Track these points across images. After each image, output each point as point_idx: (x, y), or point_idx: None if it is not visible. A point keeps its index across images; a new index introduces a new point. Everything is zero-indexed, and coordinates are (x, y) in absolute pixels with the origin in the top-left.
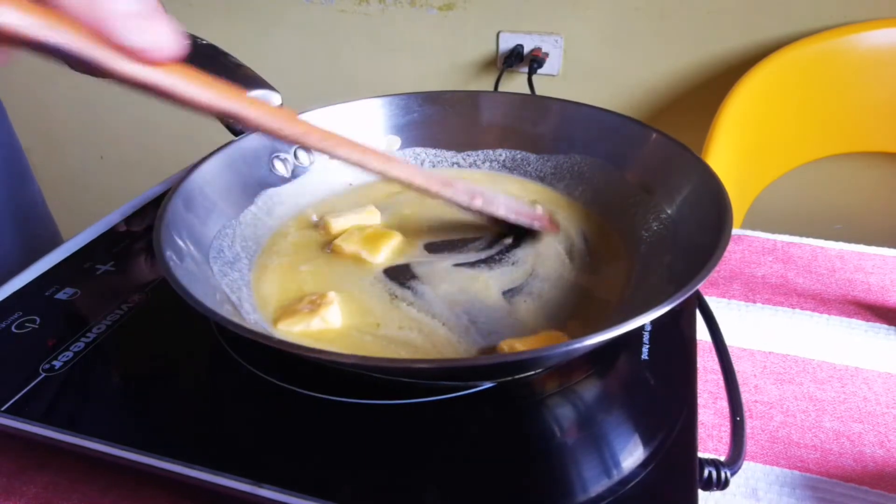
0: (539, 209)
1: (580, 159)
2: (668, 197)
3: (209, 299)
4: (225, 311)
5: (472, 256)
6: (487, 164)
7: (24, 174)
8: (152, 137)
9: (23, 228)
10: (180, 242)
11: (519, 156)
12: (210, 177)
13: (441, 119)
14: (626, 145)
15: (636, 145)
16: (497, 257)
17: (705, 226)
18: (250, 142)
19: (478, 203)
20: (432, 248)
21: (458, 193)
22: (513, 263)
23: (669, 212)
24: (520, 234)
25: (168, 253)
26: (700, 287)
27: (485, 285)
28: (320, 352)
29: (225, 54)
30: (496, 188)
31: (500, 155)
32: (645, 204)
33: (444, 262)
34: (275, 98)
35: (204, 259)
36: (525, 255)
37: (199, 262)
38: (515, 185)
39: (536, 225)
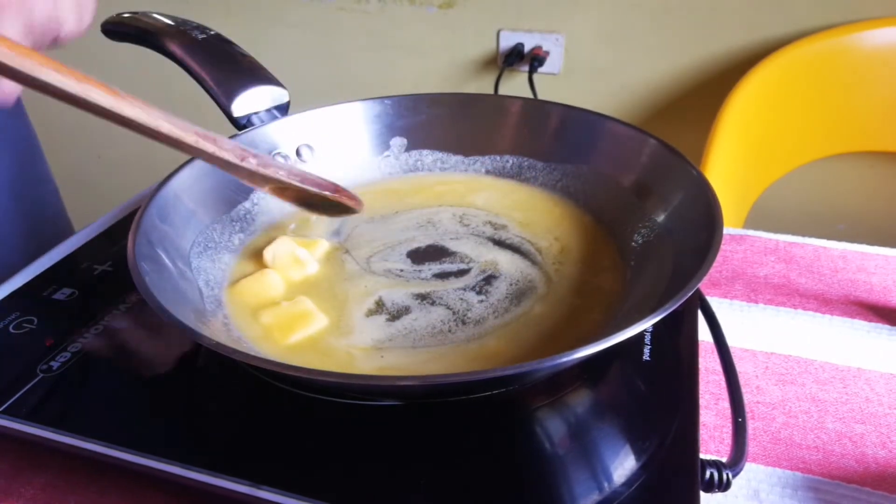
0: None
1: (587, 169)
2: (662, 204)
3: (185, 305)
4: (194, 317)
5: (454, 266)
6: (495, 169)
7: (40, 173)
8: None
9: (36, 228)
10: (160, 252)
11: (526, 163)
12: (196, 178)
13: (449, 122)
14: (629, 155)
15: (640, 155)
16: (479, 276)
17: (696, 237)
18: (250, 138)
19: (251, 163)
20: (416, 255)
21: (224, 150)
22: (498, 277)
23: (663, 219)
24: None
25: (142, 265)
26: (701, 287)
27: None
28: (296, 368)
29: (231, 44)
30: (505, 197)
31: (508, 161)
32: (641, 211)
33: (425, 273)
34: (280, 94)
35: (185, 263)
36: (513, 265)
37: (180, 267)
38: (522, 192)
39: (328, 194)
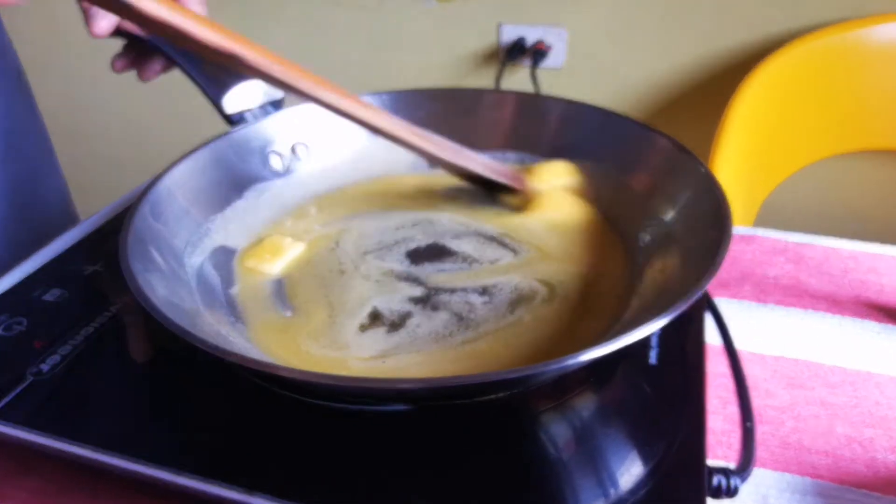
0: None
1: (590, 166)
2: (670, 202)
3: (178, 306)
4: (190, 315)
5: (456, 266)
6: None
7: (50, 169)
8: (141, 135)
9: (44, 223)
10: (153, 252)
11: (528, 159)
12: (190, 174)
13: (449, 117)
14: (636, 152)
15: (646, 151)
16: (484, 276)
17: (705, 236)
18: (243, 135)
19: (447, 155)
20: (416, 255)
21: (427, 143)
22: (501, 273)
23: (670, 217)
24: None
25: (135, 264)
26: (709, 287)
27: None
28: (289, 370)
29: None
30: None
31: (509, 157)
32: (647, 209)
33: (425, 271)
34: (273, 89)
35: (178, 262)
36: (516, 264)
37: (173, 267)
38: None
39: (513, 182)
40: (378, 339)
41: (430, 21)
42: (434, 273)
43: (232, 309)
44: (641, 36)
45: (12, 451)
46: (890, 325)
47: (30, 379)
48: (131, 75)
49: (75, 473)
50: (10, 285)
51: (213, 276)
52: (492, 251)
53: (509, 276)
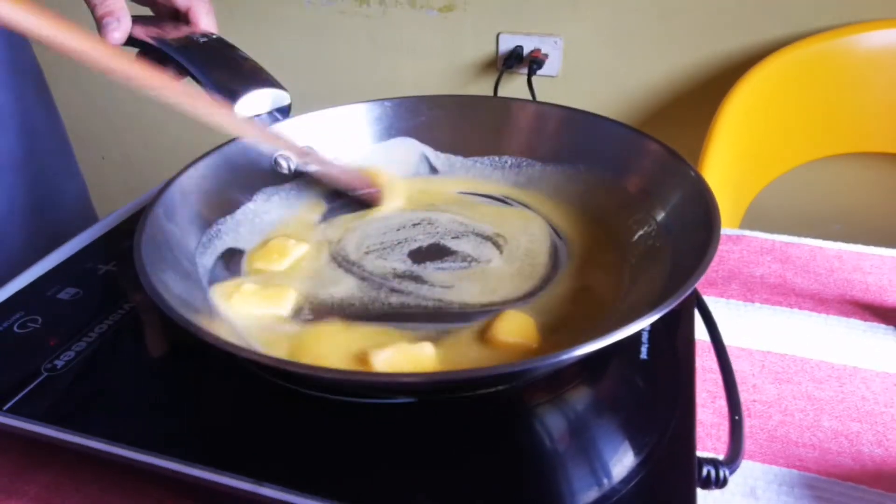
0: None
1: (585, 170)
2: (660, 205)
3: (190, 304)
4: (198, 313)
5: (457, 265)
6: (494, 170)
7: (69, 167)
8: (154, 138)
9: (63, 221)
10: (166, 252)
11: (525, 163)
12: (201, 178)
13: (449, 123)
14: (628, 156)
15: (638, 156)
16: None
17: (694, 237)
18: (250, 142)
19: (279, 144)
20: (417, 254)
21: (257, 135)
22: (495, 277)
23: (661, 219)
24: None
25: (148, 264)
26: (698, 286)
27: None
28: (298, 365)
29: (232, 47)
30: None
31: (507, 162)
32: (639, 211)
33: (426, 269)
34: (282, 96)
35: (190, 262)
36: (511, 265)
37: (185, 266)
38: (521, 192)
39: (359, 192)
40: None
41: (431, 30)
42: (435, 272)
43: None
44: (634, 44)
45: (26, 444)
46: (875, 323)
47: (44, 374)
48: None
49: (88, 467)
50: (25, 284)
51: (225, 276)
52: (489, 250)
53: (508, 273)
